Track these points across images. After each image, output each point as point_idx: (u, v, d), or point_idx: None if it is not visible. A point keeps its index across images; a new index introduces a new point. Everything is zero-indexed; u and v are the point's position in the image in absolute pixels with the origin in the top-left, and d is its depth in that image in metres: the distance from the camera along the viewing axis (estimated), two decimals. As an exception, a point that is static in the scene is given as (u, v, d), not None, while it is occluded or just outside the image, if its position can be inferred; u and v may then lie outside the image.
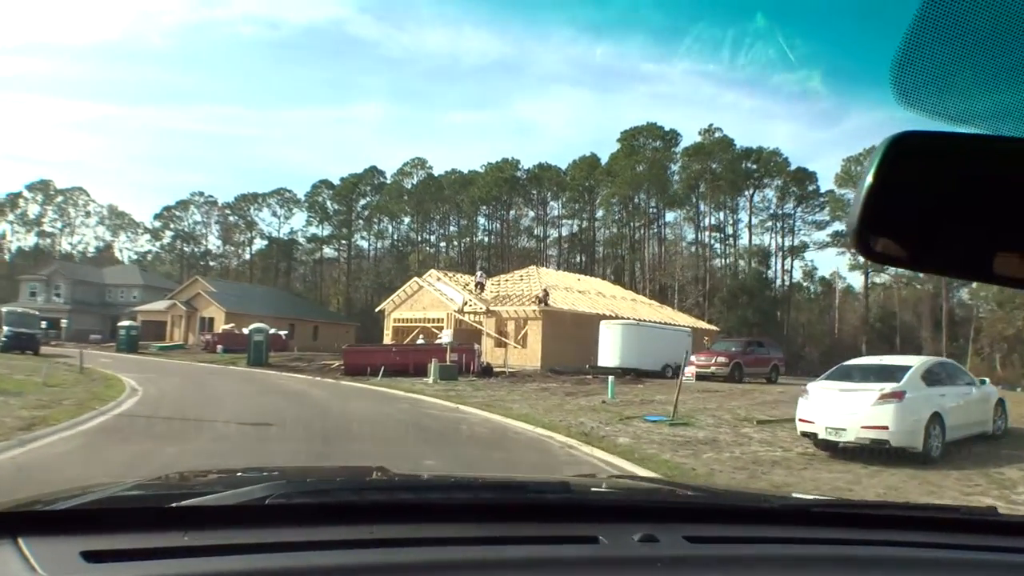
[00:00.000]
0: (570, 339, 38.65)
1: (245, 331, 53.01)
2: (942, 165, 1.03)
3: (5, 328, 38.07)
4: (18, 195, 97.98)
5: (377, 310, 47.26)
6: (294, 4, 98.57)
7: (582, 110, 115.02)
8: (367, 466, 2.88)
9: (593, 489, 2.39)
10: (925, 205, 1.04)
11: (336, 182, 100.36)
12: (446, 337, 37.52)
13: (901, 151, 1.02)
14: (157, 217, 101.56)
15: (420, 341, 41.84)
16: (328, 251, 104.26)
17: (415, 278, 45.63)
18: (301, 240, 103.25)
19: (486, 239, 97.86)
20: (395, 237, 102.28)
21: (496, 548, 1.54)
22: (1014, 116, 1.08)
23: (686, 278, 77.02)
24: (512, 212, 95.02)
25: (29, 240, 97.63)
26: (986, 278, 1.09)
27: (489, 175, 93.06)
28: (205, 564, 1.32)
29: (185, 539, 1.41)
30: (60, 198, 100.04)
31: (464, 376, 30.99)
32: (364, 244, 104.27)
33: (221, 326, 56.41)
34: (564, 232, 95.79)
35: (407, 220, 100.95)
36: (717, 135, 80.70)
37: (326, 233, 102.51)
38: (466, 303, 41.65)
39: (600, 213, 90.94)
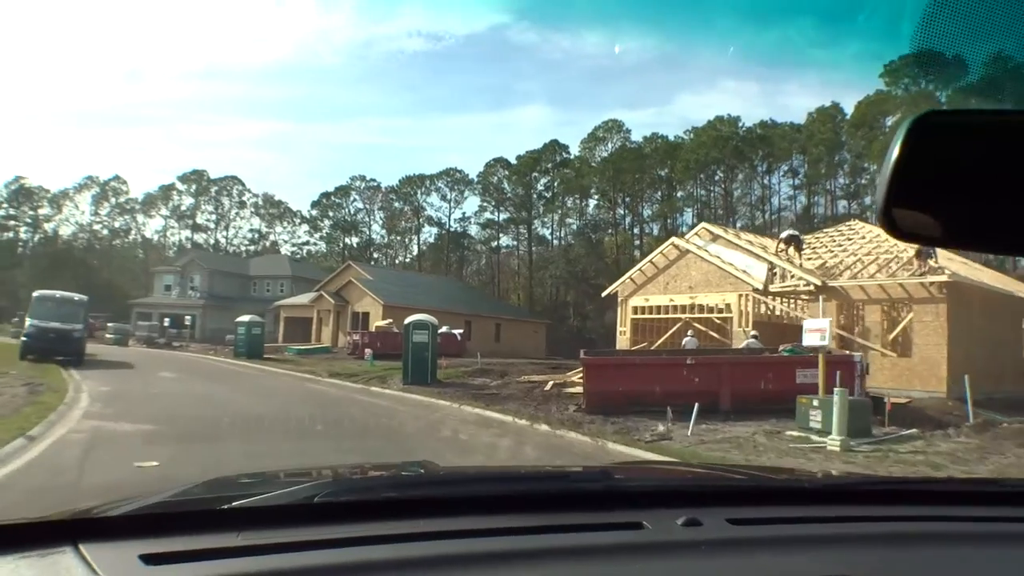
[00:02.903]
0: (982, 339, 20.31)
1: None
2: (966, 141, 1.06)
3: (28, 323, 24.25)
4: (171, 187, 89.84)
5: (605, 294, 30.20)
6: (456, 16, 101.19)
7: (747, 102, 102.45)
8: (410, 461, 3.45)
9: (634, 475, 2.46)
10: (950, 182, 1.08)
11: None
12: (752, 339, 20.28)
13: (925, 129, 1.06)
14: (315, 205, 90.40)
15: (688, 341, 24.36)
16: (505, 240, 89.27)
17: (673, 240, 28.07)
18: (474, 228, 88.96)
19: (691, 215, 79.19)
20: (583, 219, 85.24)
21: (541, 537, 1.53)
22: None
23: None
24: (739, 176, 75.71)
25: (183, 235, 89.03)
26: (1014, 251, 1.19)
27: (704, 134, 74.39)
28: (259, 563, 1.34)
29: (239, 539, 1.42)
30: (214, 188, 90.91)
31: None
32: (546, 232, 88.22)
33: (376, 323, 41.45)
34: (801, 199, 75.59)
35: (594, 200, 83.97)
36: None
37: (503, 218, 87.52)
38: (774, 273, 23.55)
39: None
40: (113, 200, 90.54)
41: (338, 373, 25.35)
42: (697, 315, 26.22)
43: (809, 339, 15.41)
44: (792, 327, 25.49)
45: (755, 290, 23.96)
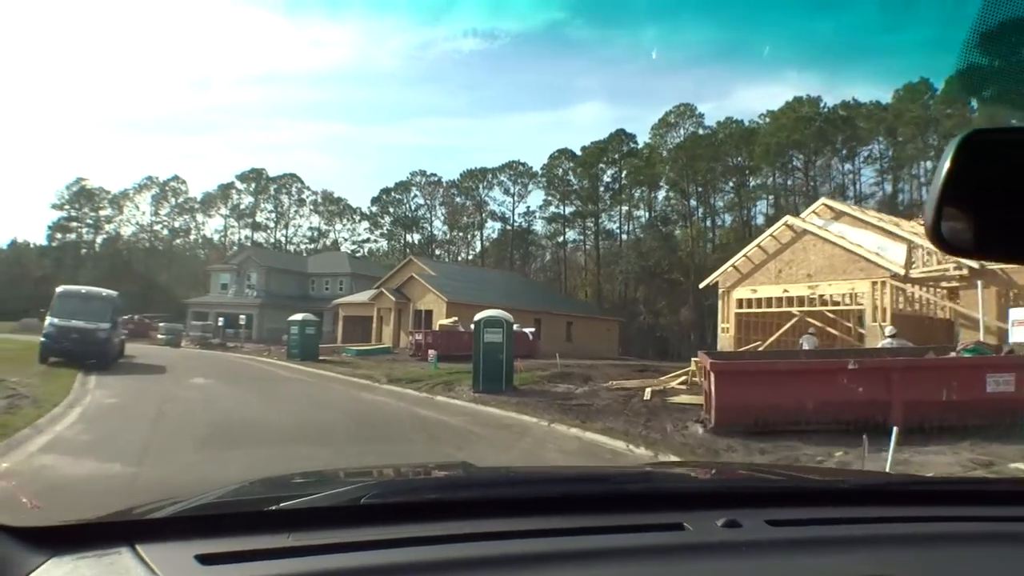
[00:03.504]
0: None
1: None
2: (1012, 157, 1.10)
3: (48, 322, 21.52)
4: (230, 186, 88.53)
5: (704, 285, 26.12)
6: (510, 14, 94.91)
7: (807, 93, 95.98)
8: (450, 462, 3.44)
9: (673, 476, 2.43)
10: (998, 196, 1.11)
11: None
12: (890, 338, 16.38)
13: (973, 146, 1.10)
14: (375, 202, 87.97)
15: (806, 339, 20.36)
16: (570, 235, 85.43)
17: (787, 220, 23.86)
18: (538, 223, 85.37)
19: (764, 204, 74.16)
20: (653, 211, 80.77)
21: (584, 538, 1.54)
22: None
23: None
24: (819, 161, 70.39)
25: (243, 234, 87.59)
26: None
27: (783, 116, 69.30)
28: (309, 563, 1.36)
29: (289, 540, 1.44)
30: (273, 187, 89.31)
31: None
32: (612, 225, 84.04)
33: (440, 321, 38.22)
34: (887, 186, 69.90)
35: (663, 190, 79.45)
36: None
37: (568, 211, 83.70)
38: (917, 255, 19.43)
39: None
40: (173, 200, 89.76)
41: (398, 378, 22.06)
42: (818, 308, 22.07)
43: (1020, 334, 11.44)
44: (937, 322, 21.28)
45: (893, 276, 19.78)
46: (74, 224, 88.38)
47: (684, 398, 17.45)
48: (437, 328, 36.55)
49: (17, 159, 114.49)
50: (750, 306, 23.87)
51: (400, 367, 27.71)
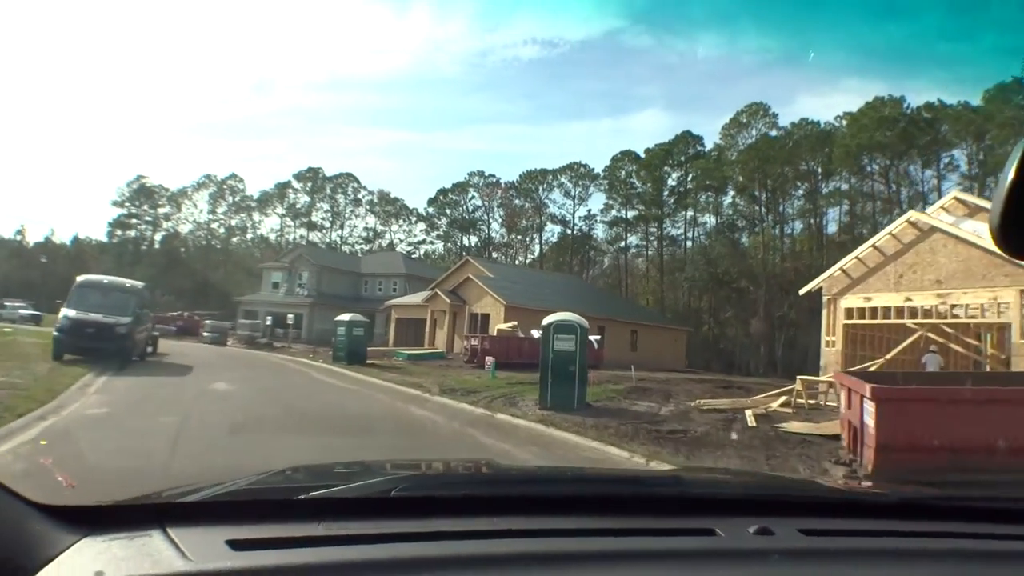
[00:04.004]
0: None
1: (535, 334, 31.37)
2: None
3: (63, 315, 19.28)
4: (286, 184, 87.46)
5: (804, 291, 22.66)
6: (570, 22, 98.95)
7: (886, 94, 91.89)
8: (476, 458, 3.86)
9: (706, 481, 2.47)
10: None
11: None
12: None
13: None
14: (431, 203, 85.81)
15: (929, 358, 17.09)
16: (632, 239, 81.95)
17: (911, 216, 20.27)
18: (599, 227, 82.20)
19: (839, 213, 69.78)
20: (720, 216, 76.81)
21: (615, 540, 1.53)
22: None
23: None
24: (901, 165, 65.77)
25: (298, 233, 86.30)
26: None
27: (864, 116, 64.88)
28: (339, 552, 1.36)
29: (320, 528, 1.45)
30: (329, 186, 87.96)
31: None
32: (675, 231, 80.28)
33: (498, 326, 35.42)
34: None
35: (730, 195, 75.47)
36: None
37: (631, 215, 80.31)
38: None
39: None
40: (230, 199, 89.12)
41: (452, 388, 19.30)
42: (951, 320, 18.60)
43: None
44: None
45: (1052, 282, 16.27)
46: (133, 221, 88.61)
47: (797, 426, 14.30)
48: (495, 333, 33.76)
49: (82, 158, 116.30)
50: (862, 316, 20.44)
51: (454, 375, 25.02)
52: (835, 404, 17.96)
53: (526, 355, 30.46)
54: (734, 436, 12.92)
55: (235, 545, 1.35)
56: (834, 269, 21.29)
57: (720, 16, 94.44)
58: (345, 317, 30.29)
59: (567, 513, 1.64)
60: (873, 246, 20.27)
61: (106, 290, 20.15)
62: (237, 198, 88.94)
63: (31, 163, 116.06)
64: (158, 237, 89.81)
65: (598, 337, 35.99)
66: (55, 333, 18.75)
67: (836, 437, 12.86)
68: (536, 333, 33.98)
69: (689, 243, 78.45)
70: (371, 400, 16.64)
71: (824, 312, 21.22)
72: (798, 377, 18.48)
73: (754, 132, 72.69)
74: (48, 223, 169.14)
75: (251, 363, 27.20)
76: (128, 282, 21.85)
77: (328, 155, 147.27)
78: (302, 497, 1.59)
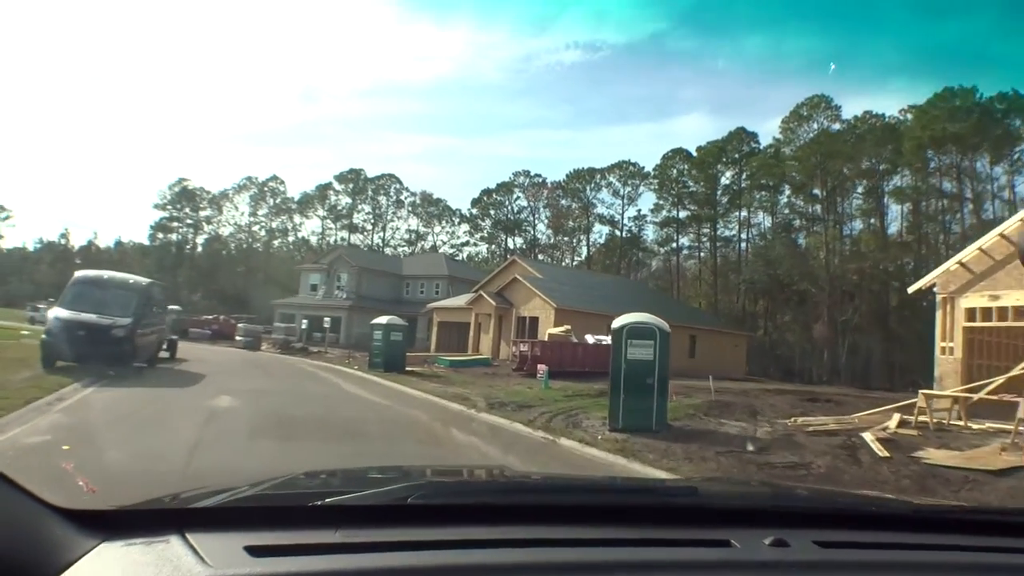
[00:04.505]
0: None
1: (589, 339, 28.73)
2: None
3: (52, 315, 16.89)
4: (327, 186, 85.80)
5: (914, 288, 19.37)
6: (613, 25, 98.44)
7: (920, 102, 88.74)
8: (489, 466, 3.48)
9: (721, 493, 2.47)
10: None
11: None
12: None
13: None
14: (475, 203, 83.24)
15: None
16: (683, 240, 78.41)
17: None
18: (649, 228, 78.90)
19: (902, 212, 65.55)
20: (776, 216, 72.94)
21: (630, 550, 1.53)
22: None
23: None
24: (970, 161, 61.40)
25: (340, 236, 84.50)
26: None
27: (935, 107, 60.65)
28: (356, 560, 1.36)
29: (337, 535, 1.46)
30: (371, 188, 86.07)
31: None
32: (728, 232, 76.59)
33: (548, 330, 32.59)
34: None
35: (786, 194, 71.61)
36: None
37: (682, 215, 76.86)
38: None
39: None
40: (271, 201, 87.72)
41: (501, 402, 16.58)
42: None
43: None
44: None
45: None
46: (175, 224, 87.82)
47: (941, 456, 11.25)
48: (546, 337, 30.95)
49: (126, 162, 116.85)
50: (987, 318, 17.19)
51: (502, 384, 22.30)
52: (960, 423, 14.85)
53: (580, 363, 27.64)
54: (866, 471, 9.96)
55: (253, 551, 1.34)
56: (951, 263, 18.04)
57: (766, 17, 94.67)
58: (382, 320, 27.80)
59: (582, 523, 1.62)
60: (1000, 235, 17.00)
61: (103, 287, 17.72)
62: (278, 200, 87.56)
63: (76, 167, 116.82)
64: (200, 240, 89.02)
65: (658, 343, 33.05)
66: (43, 336, 16.36)
67: (1002, 473, 9.93)
68: (591, 338, 31.18)
69: (743, 244, 74.91)
70: (405, 421, 13.87)
71: (938, 313, 17.98)
72: (920, 392, 15.33)
73: (815, 126, 68.83)
74: (91, 226, 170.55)
75: (276, 371, 24.73)
76: (132, 278, 19.47)
77: (370, 160, 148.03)
78: (319, 504, 1.57)
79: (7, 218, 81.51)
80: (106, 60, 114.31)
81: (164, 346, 22.80)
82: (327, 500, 1.58)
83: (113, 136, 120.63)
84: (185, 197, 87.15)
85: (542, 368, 22.22)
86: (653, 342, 13.06)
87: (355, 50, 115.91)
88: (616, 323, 13.61)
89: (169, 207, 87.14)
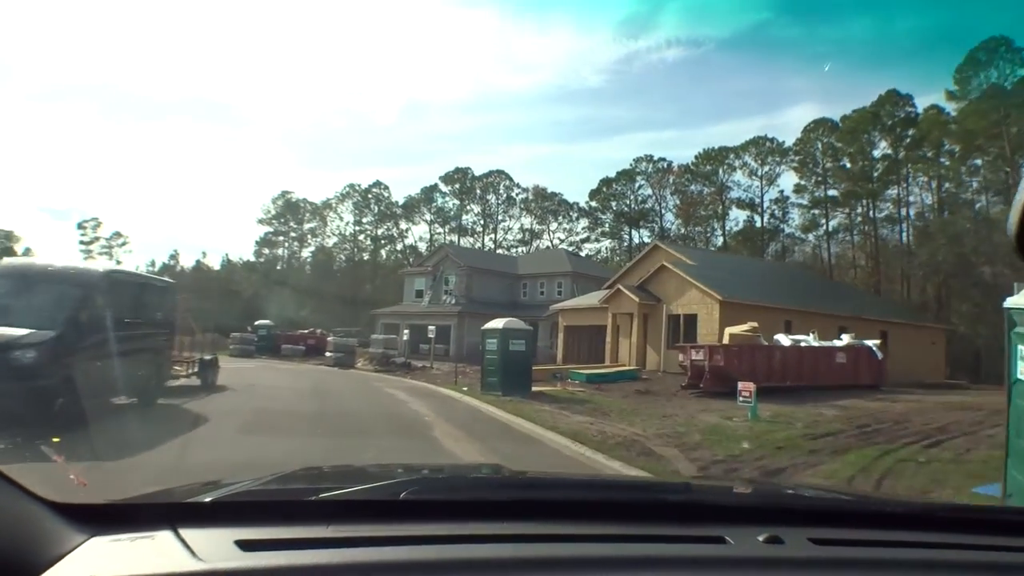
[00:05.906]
0: None
1: (783, 340, 20.59)
2: None
3: None
4: (433, 188, 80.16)
5: None
6: (714, 19, 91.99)
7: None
8: (482, 463, 3.82)
9: (715, 490, 2.49)
10: None
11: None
12: None
13: None
14: (594, 195, 75.35)
15: None
16: (832, 222, 68.14)
17: None
18: (792, 211, 69.11)
19: None
20: (948, 187, 61.76)
21: (623, 546, 1.52)
22: None
23: None
24: None
25: (449, 240, 78.56)
26: None
27: None
28: (347, 554, 1.35)
29: (328, 530, 1.45)
30: (479, 187, 79.89)
31: None
32: (885, 211, 65.68)
33: (728, 330, 24.28)
34: None
35: (949, 160, 60.35)
36: None
37: (831, 194, 66.75)
38: None
39: None
40: (375, 208, 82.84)
41: (713, 456, 8.92)
42: None
43: None
44: None
45: None
46: (280, 238, 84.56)
47: None
48: (726, 340, 22.82)
49: (231, 185, 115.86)
50: None
51: (678, 412, 14.72)
52: None
53: (779, 374, 19.65)
54: None
55: (244, 545, 1.34)
56: None
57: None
58: (497, 324, 20.73)
59: (575, 519, 1.61)
60: None
61: (27, 282, 11.03)
62: (382, 206, 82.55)
63: (184, 189, 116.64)
64: (305, 253, 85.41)
65: (876, 342, 24.39)
66: None
67: None
68: (785, 339, 22.92)
69: (903, 225, 64.02)
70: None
71: None
72: None
73: (994, 74, 57.54)
74: (200, 247, 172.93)
75: (346, 405, 17.02)
76: (76, 267, 12.23)
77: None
78: (311, 499, 1.58)
79: (124, 244, 79.85)
80: (213, 87, 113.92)
81: (194, 369, 16.50)
82: (320, 495, 1.57)
83: (219, 158, 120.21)
84: (289, 210, 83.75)
85: (748, 388, 14.20)
86: None
87: (457, 64, 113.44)
88: (1011, 300, 5.82)
89: (274, 221, 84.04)
